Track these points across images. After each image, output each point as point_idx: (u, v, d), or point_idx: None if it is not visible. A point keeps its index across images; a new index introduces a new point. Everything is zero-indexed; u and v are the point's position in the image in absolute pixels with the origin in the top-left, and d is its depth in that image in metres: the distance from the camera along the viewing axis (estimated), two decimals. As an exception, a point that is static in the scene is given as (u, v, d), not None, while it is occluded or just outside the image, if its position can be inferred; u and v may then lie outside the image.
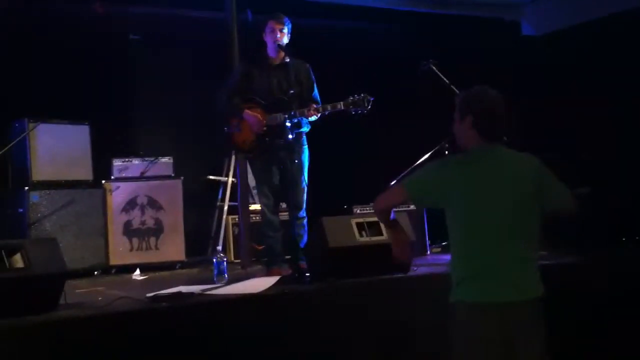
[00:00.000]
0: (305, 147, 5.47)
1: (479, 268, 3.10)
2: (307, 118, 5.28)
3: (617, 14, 7.87)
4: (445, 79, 6.00)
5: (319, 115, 5.29)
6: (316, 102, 5.39)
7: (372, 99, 5.23)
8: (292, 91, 5.23)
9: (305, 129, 5.45)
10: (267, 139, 5.33)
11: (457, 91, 5.95)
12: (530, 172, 3.20)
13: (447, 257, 6.11)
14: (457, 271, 3.20)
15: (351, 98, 5.23)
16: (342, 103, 5.24)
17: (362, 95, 5.22)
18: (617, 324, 4.99)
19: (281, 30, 5.38)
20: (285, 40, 5.42)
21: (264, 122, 5.32)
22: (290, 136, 5.19)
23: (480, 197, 3.11)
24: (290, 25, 5.44)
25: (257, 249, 6.38)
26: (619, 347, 4.95)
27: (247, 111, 5.36)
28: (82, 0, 6.98)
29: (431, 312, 4.59)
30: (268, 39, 5.45)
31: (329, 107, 5.29)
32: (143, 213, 6.50)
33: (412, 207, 6.56)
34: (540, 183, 3.18)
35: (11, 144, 5.85)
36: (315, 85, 5.50)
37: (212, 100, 5.58)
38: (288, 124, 5.19)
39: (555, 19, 8.78)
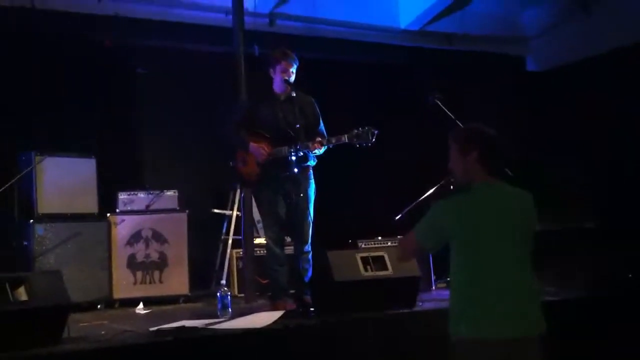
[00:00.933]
0: (312, 181, 5.48)
1: (485, 303, 3.09)
2: (312, 151, 5.28)
3: (621, 49, 7.91)
4: (450, 114, 6.02)
5: (323, 148, 5.30)
6: (322, 136, 5.40)
7: (376, 131, 5.23)
8: (297, 125, 5.26)
9: (312, 162, 5.47)
10: (272, 171, 5.33)
11: (462, 125, 5.97)
12: (528, 209, 3.25)
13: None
14: (459, 306, 3.18)
15: (355, 131, 5.23)
16: (346, 136, 5.25)
17: (367, 128, 5.22)
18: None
19: (292, 71, 5.43)
20: (293, 77, 5.46)
21: (269, 153, 5.33)
22: (295, 169, 5.20)
23: (487, 233, 3.12)
24: (297, 63, 5.48)
25: (261, 283, 6.35)
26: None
27: (252, 143, 5.39)
28: (91, 34, 7.04)
29: (436, 347, 4.57)
30: (277, 76, 5.47)
31: (333, 140, 5.30)
32: (147, 246, 6.49)
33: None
34: (535, 219, 3.24)
35: (17, 177, 5.86)
36: (320, 119, 5.52)
37: (220, 134, 5.61)
38: (293, 157, 5.20)
39: (559, 55, 8.84)
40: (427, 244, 3.33)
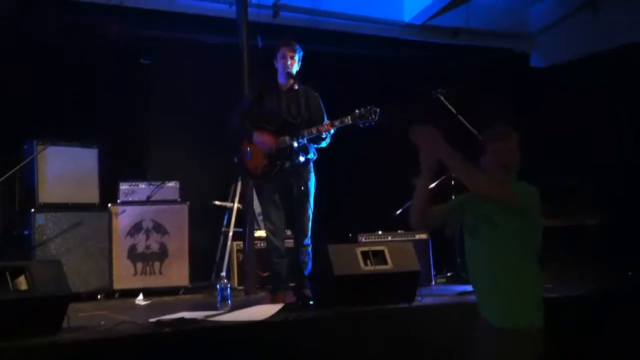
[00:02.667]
0: (312, 174, 5.48)
1: (537, 294, 3.27)
2: (321, 134, 5.29)
3: (628, 45, 7.89)
4: (453, 109, 6.01)
5: (331, 131, 5.31)
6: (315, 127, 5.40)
7: (378, 110, 5.29)
8: (300, 117, 5.27)
9: (312, 156, 5.46)
10: (277, 162, 5.33)
11: (465, 121, 5.97)
12: None
13: (453, 287, 6.14)
14: (524, 296, 3.23)
15: (357, 111, 5.29)
16: (349, 117, 5.30)
17: (369, 107, 5.29)
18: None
19: (292, 57, 5.42)
20: (296, 67, 5.45)
21: (273, 144, 5.33)
22: (299, 159, 5.21)
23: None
24: (301, 54, 5.48)
25: (261, 276, 6.36)
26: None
27: (256, 134, 5.38)
28: (95, 23, 7.03)
29: (435, 341, 4.58)
30: (279, 65, 5.49)
31: (337, 123, 5.32)
32: (148, 237, 6.50)
33: (418, 236, 6.56)
34: None
35: (19, 166, 5.85)
36: (325, 114, 5.53)
37: (224, 125, 5.60)
38: (295, 146, 5.20)
39: (565, 50, 8.81)
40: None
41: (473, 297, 5.39)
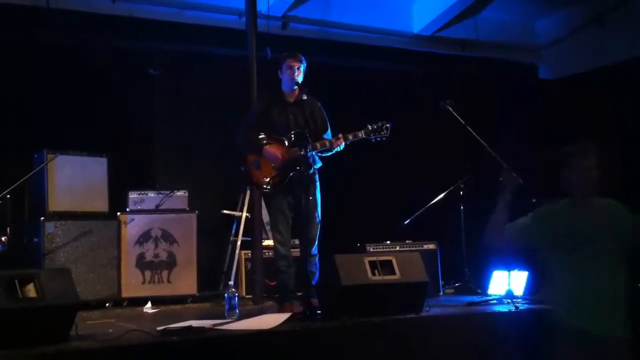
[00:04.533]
0: (318, 183, 5.50)
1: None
2: (334, 148, 5.37)
3: (635, 59, 7.89)
4: (461, 120, 6.01)
5: (342, 144, 5.38)
6: (330, 141, 5.43)
7: (390, 125, 5.43)
8: (309, 127, 5.30)
9: (318, 164, 5.49)
10: (288, 173, 5.35)
11: (473, 132, 5.97)
12: None
13: (461, 298, 6.13)
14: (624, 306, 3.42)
15: (370, 126, 5.43)
16: (362, 131, 5.42)
17: (381, 122, 5.43)
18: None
19: (298, 68, 5.46)
20: (301, 78, 5.48)
21: (284, 156, 5.35)
22: (310, 171, 5.24)
23: None
24: (305, 64, 5.50)
25: (269, 285, 6.36)
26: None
27: (266, 148, 5.40)
28: (105, 34, 7.07)
29: (443, 352, 4.57)
30: (285, 75, 5.51)
31: (350, 137, 5.42)
32: (157, 246, 6.52)
33: (426, 246, 6.56)
34: None
35: (29, 174, 5.89)
36: (328, 124, 5.56)
37: (232, 137, 5.62)
38: (306, 157, 5.21)
39: (572, 63, 8.81)
40: None
41: (481, 308, 5.45)
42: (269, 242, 6.55)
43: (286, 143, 5.39)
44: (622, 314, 3.38)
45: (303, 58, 5.50)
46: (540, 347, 4.58)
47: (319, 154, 5.46)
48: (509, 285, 5.85)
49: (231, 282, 6.09)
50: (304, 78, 5.51)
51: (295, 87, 5.47)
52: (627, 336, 3.36)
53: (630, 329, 3.36)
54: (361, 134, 5.42)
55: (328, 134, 5.51)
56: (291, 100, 5.54)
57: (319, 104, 5.61)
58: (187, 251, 6.58)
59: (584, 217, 3.45)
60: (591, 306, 3.37)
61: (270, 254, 6.18)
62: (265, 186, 5.48)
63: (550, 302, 3.62)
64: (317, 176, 5.51)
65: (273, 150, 5.38)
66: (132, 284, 6.41)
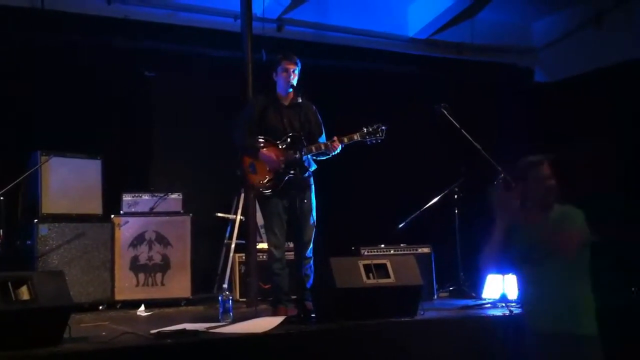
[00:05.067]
0: (313, 186, 5.50)
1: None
2: (331, 152, 5.37)
3: (631, 62, 7.90)
4: (456, 123, 6.02)
5: (339, 147, 5.38)
6: (324, 144, 5.43)
7: (385, 128, 5.44)
8: (304, 131, 5.30)
9: (313, 168, 5.49)
10: (284, 176, 5.35)
11: (468, 135, 5.98)
12: None
13: (455, 301, 6.14)
14: (592, 305, 3.57)
15: (365, 129, 5.44)
16: (358, 134, 5.43)
17: (376, 125, 5.45)
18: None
19: (294, 71, 5.46)
20: (296, 80, 5.48)
21: (280, 160, 5.35)
22: (306, 174, 5.23)
23: None
24: (300, 66, 5.50)
25: (263, 288, 6.35)
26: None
27: (262, 151, 5.40)
28: (100, 36, 7.07)
29: (437, 356, 4.57)
30: (280, 78, 5.51)
31: (345, 140, 5.41)
32: (150, 249, 6.50)
33: (420, 250, 6.56)
34: None
35: (23, 176, 5.88)
36: (323, 127, 5.56)
37: (229, 136, 5.61)
38: (302, 161, 5.21)
39: (569, 65, 8.82)
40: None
41: (475, 312, 5.45)
42: (263, 245, 6.54)
43: (281, 146, 5.39)
44: (592, 313, 3.53)
45: (298, 60, 5.50)
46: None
47: (314, 157, 5.47)
48: (503, 289, 5.85)
49: (225, 285, 6.08)
50: (298, 81, 5.51)
51: (290, 89, 5.46)
52: (597, 334, 3.51)
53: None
54: (357, 137, 5.43)
55: (322, 138, 5.51)
56: (286, 103, 5.53)
57: (314, 107, 5.61)
58: (181, 254, 6.57)
59: (539, 228, 3.54)
60: (562, 310, 3.50)
61: (265, 257, 6.18)
62: (261, 189, 5.48)
63: (525, 309, 3.77)
64: (312, 179, 5.51)
65: (269, 154, 5.38)
66: (126, 286, 6.39)
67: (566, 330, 3.49)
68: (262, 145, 5.42)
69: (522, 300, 3.82)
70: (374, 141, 5.46)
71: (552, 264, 3.50)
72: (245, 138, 5.49)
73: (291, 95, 5.50)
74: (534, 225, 3.57)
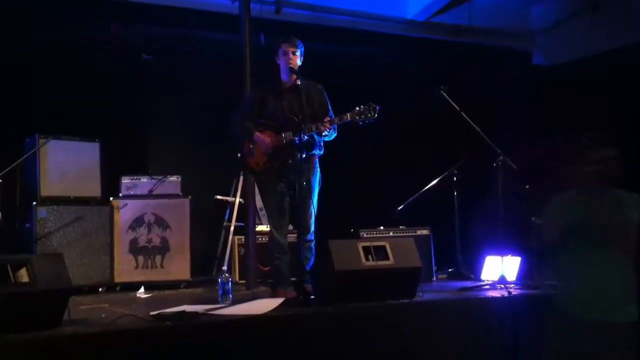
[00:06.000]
0: (317, 170, 5.49)
1: None
2: (322, 133, 5.28)
3: (629, 47, 7.88)
4: (455, 106, 6.01)
5: (330, 129, 5.30)
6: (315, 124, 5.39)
7: (378, 107, 5.26)
8: (301, 114, 5.26)
9: (318, 151, 5.47)
10: (278, 159, 5.33)
11: (467, 118, 5.97)
12: None
13: (454, 283, 6.15)
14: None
15: (357, 108, 5.27)
16: (348, 114, 5.28)
17: (368, 104, 5.27)
18: None
19: (294, 53, 5.42)
20: (298, 62, 5.45)
21: (274, 142, 5.34)
22: (300, 156, 5.18)
23: None
24: (302, 49, 5.47)
25: (262, 270, 6.36)
26: None
27: (257, 133, 5.39)
28: (98, 19, 7.04)
29: (436, 337, 4.59)
30: (281, 61, 5.48)
31: (336, 120, 5.32)
32: (150, 231, 6.51)
33: (419, 232, 6.57)
34: None
35: (21, 159, 5.86)
36: (329, 107, 5.52)
37: (226, 125, 5.61)
38: (297, 142, 5.16)
39: (566, 50, 8.80)
40: None
41: (474, 294, 5.47)
42: (262, 228, 6.56)
43: (277, 129, 5.37)
44: (636, 300, 3.48)
45: (299, 42, 5.46)
46: (533, 333, 4.63)
47: (319, 140, 5.43)
48: (501, 270, 5.86)
49: (224, 268, 6.09)
50: (303, 63, 5.47)
51: (292, 72, 5.43)
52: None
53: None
54: (347, 117, 5.28)
55: (331, 114, 5.44)
56: (287, 86, 5.51)
57: (320, 86, 5.56)
58: (180, 236, 6.57)
59: (596, 209, 3.49)
60: (604, 296, 3.45)
61: (264, 239, 6.18)
62: (257, 172, 5.48)
63: (560, 292, 3.66)
64: (316, 162, 5.49)
65: (263, 137, 5.37)
66: (125, 269, 6.41)
67: (609, 316, 3.44)
68: (259, 129, 5.40)
69: (560, 282, 3.69)
70: (367, 121, 5.26)
71: (601, 248, 3.46)
72: (241, 124, 5.48)
73: (293, 77, 5.47)
74: (587, 208, 3.52)
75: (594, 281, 3.47)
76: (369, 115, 5.26)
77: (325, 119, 5.33)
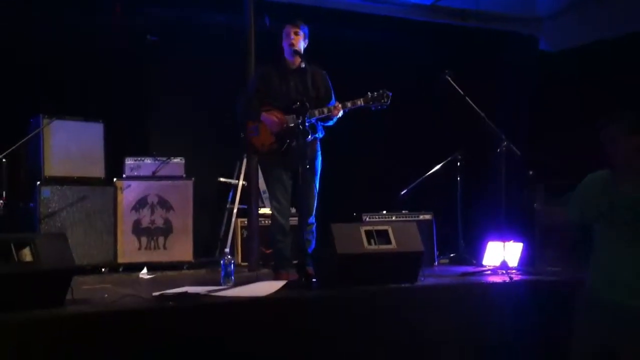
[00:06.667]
0: (319, 153, 5.50)
1: None
2: (333, 116, 5.34)
3: (635, 34, 7.83)
4: (460, 90, 5.99)
5: (340, 113, 5.35)
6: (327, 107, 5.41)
7: (390, 94, 5.38)
8: (308, 95, 5.27)
9: (320, 134, 5.47)
10: (284, 140, 5.33)
11: (472, 103, 5.96)
12: None
13: (456, 268, 6.17)
14: None
15: (370, 94, 5.38)
16: (362, 99, 5.38)
17: (381, 90, 5.38)
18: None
19: (296, 34, 5.42)
20: (302, 45, 5.45)
21: (281, 121, 5.33)
22: (307, 138, 5.20)
23: None
24: (306, 30, 5.47)
25: (265, 253, 6.38)
26: None
27: (264, 114, 5.39)
28: (100, 1, 7.02)
29: (437, 322, 4.60)
30: (284, 43, 5.48)
31: (349, 104, 5.38)
32: (153, 212, 6.53)
33: (422, 216, 6.58)
34: None
35: (25, 139, 5.87)
36: (333, 93, 5.53)
37: (232, 105, 5.60)
38: (303, 127, 5.16)
39: (573, 36, 8.74)
40: None
41: (475, 279, 5.48)
42: (265, 210, 6.57)
43: (285, 110, 5.37)
44: None
45: (302, 25, 5.45)
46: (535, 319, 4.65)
47: (323, 124, 5.44)
48: (503, 256, 5.87)
49: (227, 250, 6.10)
50: (308, 45, 5.47)
51: (296, 54, 5.43)
52: None
53: None
54: (360, 102, 5.38)
55: (333, 102, 5.48)
56: (292, 67, 5.50)
57: (324, 72, 5.58)
58: (184, 218, 6.59)
59: (627, 191, 3.43)
60: (629, 278, 3.39)
61: (267, 222, 6.19)
62: (262, 152, 5.48)
63: (590, 273, 3.59)
64: (318, 145, 5.50)
65: (271, 117, 5.36)
66: (128, 249, 6.43)
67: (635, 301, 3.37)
68: (266, 108, 5.40)
69: (593, 265, 3.61)
70: (379, 107, 5.40)
71: (634, 232, 3.40)
72: (247, 104, 5.48)
73: (298, 59, 5.47)
74: (621, 191, 3.45)
75: (622, 264, 3.41)
76: (382, 101, 5.38)
77: (336, 103, 5.35)
